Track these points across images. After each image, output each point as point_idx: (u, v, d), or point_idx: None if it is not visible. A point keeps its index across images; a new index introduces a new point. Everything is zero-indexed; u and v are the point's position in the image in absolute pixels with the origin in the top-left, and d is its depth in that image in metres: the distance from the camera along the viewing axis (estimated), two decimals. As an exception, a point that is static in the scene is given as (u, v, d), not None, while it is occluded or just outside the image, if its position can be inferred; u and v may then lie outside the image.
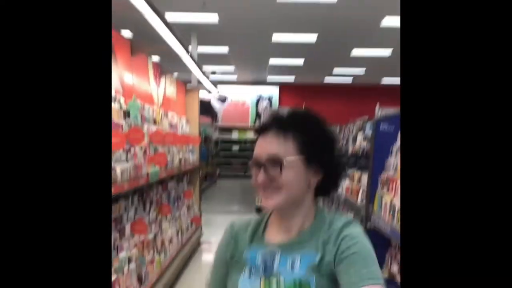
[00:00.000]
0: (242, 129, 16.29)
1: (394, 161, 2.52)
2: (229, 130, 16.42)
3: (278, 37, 9.35)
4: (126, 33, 8.30)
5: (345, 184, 3.58)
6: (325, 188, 1.08)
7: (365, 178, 2.99)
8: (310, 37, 9.30)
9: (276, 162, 0.97)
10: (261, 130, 1.03)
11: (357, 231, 0.99)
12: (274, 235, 1.07)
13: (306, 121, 1.04)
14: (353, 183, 3.40)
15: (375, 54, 10.62)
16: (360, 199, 3.06)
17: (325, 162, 1.02)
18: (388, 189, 2.52)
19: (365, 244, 0.96)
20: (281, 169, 0.97)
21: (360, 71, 13.28)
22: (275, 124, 1.01)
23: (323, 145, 1.03)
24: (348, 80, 14.98)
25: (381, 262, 2.81)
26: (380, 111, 7.00)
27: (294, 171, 0.98)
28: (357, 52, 10.60)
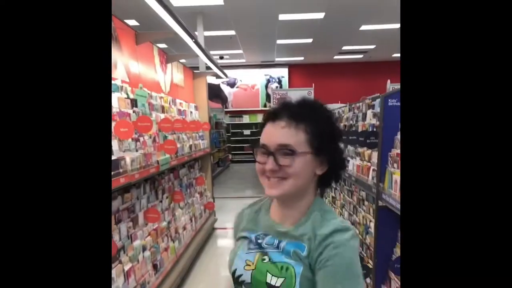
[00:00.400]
0: (253, 113, 16.25)
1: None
2: (239, 114, 16.40)
3: (285, 18, 9.22)
4: (132, 23, 8.29)
5: (355, 163, 3.54)
6: (328, 180, 1.10)
7: (375, 156, 2.96)
8: (317, 16, 9.15)
9: (287, 151, 0.98)
10: (271, 118, 1.04)
11: (343, 239, 0.97)
12: (275, 218, 1.12)
13: (316, 113, 1.04)
14: (363, 162, 3.36)
15: (384, 29, 10.41)
16: (370, 177, 3.03)
17: (331, 155, 1.05)
18: (397, 166, 2.49)
19: (347, 257, 0.95)
20: (293, 159, 0.98)
21: (370, 47, 13.07)
22: (286, 113, 1.02)
23: (331, 138, 1.05)
24: (359, 57, 14.77)
25: (394, 240, 2.80)
26: (391, 87, 6.90)
27: (304, 162, 1.00)
28: (366, 28, 10.41)
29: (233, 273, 1.08)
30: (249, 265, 1.06)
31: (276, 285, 0.99)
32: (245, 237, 1.14)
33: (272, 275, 1.00)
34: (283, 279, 0.99)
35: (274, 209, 1.13)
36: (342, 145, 1.10)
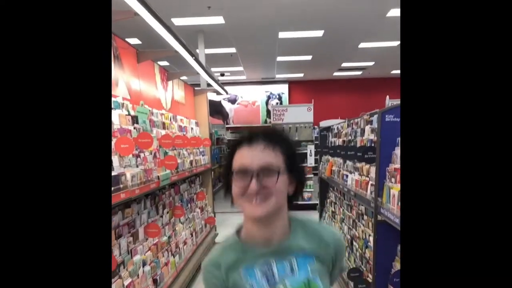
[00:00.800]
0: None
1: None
2: (240, 130, 16.40)
3: (285, 36, 9.35)
4: (134, 41, 8.42)
5: (354, 177, 3.57)
6: (296, 197, 1.16)
7: (373, 170, 2.99)
8: (317, 34, 9.27)
9: (271, 171, 1.03)
10: (246, 142, 1.08)
11: (337, 234, 1.22)
12: (259, 247, 1.10)
13: (285, 138, 1.13)
14: (362, 176, 3.39)
15: (383, 46, 10.53)
16: (369, 191, 3.05)
17: (298, 174, 1.13)
18: (395, 181, 2.52)
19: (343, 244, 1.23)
20: (276, 179, 1.03)
21: (369, 64, 13.19)
22: (261, 137, 1.08)
23: (297, 159, 1.13)
24: (358, 74, 14.89)
25: (393, 254, 2.82)
26: (390, 103, 6.93)
27: (283, 180, 1.06)
28: (364, 46, 10.53)
29: None
30: None
31: None
32: (242, 283, 1.08)
33: None
34: None
35: (251, 236, 1.12)
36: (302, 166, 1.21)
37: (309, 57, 11.91)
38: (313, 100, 9.51)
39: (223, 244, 1.18)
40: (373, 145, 3.16)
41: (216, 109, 15.80)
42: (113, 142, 2.71)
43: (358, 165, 3.58)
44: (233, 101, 16.47)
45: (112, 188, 2.46)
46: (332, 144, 5.16)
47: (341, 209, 4.68)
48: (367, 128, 3.57)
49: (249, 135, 1.10)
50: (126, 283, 2.79)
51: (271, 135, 1.10)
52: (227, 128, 16.06)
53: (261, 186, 1.02)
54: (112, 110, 2.97)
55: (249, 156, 1.05)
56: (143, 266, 3.17)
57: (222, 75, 13.96)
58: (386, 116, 2.69)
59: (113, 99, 3.08)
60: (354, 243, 3.92)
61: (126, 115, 3.16)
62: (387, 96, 7.79)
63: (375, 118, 3.40)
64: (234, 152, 1.09)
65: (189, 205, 5.01)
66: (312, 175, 8.85)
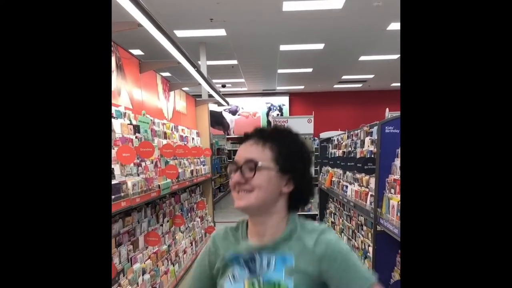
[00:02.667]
0: (254, 140, 16.32)
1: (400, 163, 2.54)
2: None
3: (286, 48, 9.43)
4: (136, 52, 8.50)
5: (354, 188, 3.60)
6: (296, 200, 1.14)
7: (373, 181, 3.01)
8: (317, 47, 9.36)
9: (251, 165, 1.05)
10: (243, 140, 1.13)
11: (334, 238, 1.08)
12: (252, 240, 1.14)
13: (284, 136, 1.13)
14: (361, 187, 3.41)
15: (383, 59, 10.62)
16: (368, 202, 3.07)
17: (297, 175, 1.10)
18: (395, 192, 2.55)
19: (346, 250, 1.07)
20: (256, 172, 1.05)
21: (369, 77, 13.28)
22: (256, 134, 1.12)
23: (297, 160, 1.11)
24: (358, 86, 14.97)
25: (392, 265, 2.82)
26: (389, 115, 6.99)
27: (267, 176, 1.06)
28: (364, 58, 10.61)
29: None
30: None
31: None
32: (226, 264, 1.12)
33: None
34: None
35: (250, 229, 1.16)
36: (312, 170, 1.17)
37: (309, 70, 11.99)
38: (313, 112, 9.55)
39: (229, 226, 1.22)
40: (372, 156, 3.19)
41: (217, 120, 15.85)
42: (114, 151, 2.74)
43: (358, 176, 3.60)
44: (234, 112, 16.54)
45: (113, 196, 2.49)
46: (332, 155, 5.20)
47: (340, 220, 4.69)
48: (367, 139, 3.61)
49: (246, 133, 1.14)
50: (125, 291, 2.80)
51: (266, 132, 1.12)
52: (228, 139, 16.10)
53: (243, 179, 1.06)
54: (114, 119, 3.00)
55: (239, 152, 1.10)
56: (142, 275, 3.17)
57: (224, 86, 14.04)
58: (386, 127, 2.72)
59: (115, 108, 3.12)
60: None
61: (128, 124, 3.20)
62: (387, 109, 7.83)
63: (375, 129, 3.43)
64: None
65: (189, 214, 5.02)
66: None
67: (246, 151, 1.09)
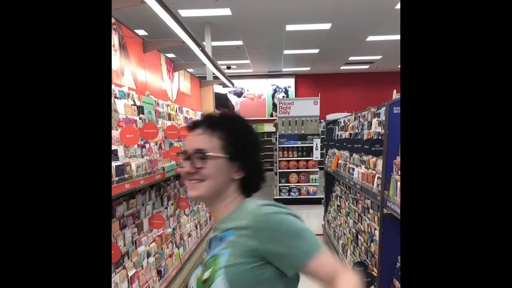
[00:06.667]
0: (260, 122, 16.29)
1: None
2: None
3: (292, 28, 9.29)
4: (141, 33, 8.40)
5: (360, 171, 3.54)
6: (248, 186, 1.16)
7: (380, 163, 2.96)
8: (324, 27, 9.21)
9: (200, 154, 1.08)
10: (191, 127, 1.15)
11: (272, 210, 1.04)
12: (215, 224, 1.18)
13: (233, 124, 1.14)
14: (368, 169, 3.36)
15: (391, 40, 10.44)
16: (375, 185, 3.02)
17: (247, 162, 1.13)
18: (403, 174, 2.49)
19: (280, 221, 1.02)
20: (206, 162, 1.07)
21: (376, 58, 13.10)
22: (205, 122, 1.13)
23: (246, 148, 1.13)
24: (365, 67, 14.79)
25: (399, 248, 2.79)
26: (398, 97, 6.90)
27: (216, 165, 1.09)
28: (372, 39, 10.44)
29: None
30: (199, 274, 1.11)
31: (205, 278, 1.04)
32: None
33: (206, 271, 1.05)
34: (210, 269, 1.04)
35: (213, 217, 1.20)
36: (260, 157, 1.19)
37: (316, 51, 11.84)
38: (319, 94, 9.45)
39: None
40: (380, 137, 3.12)
41: (222, 102, 15.77)
42: (118, 132, 2.70)
43: (365, 158, 3.54)
44: (239, 94, 16.44)
45: (117, 178, 2.45)
46: (339, 137, 5.13)
47: (346, 203, 4.65)
48: (374, 121, 3.53)
49: (195, 121, 1.16)
50: (130, 273, 2.78)
51: (214, 120, 1.13)
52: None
53: (194, 169, 1.08)
54: (118, 100, 2.95)
55: (188, 141, 1.13)
56: (147, 257, 3.16)
57: (229, 68, 13.92)
58: (394, 108, 2.65)
59: (118, 88, 3.07)
60: (359, 237, 3.90)
61: (131, 105, 3.14)
62: (394, 91, 7.72)
63: (382, 110, 3.36)
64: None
65: (194, 197, 5.00)
66: (317, 169, 8.83)
67: (195, 141, 1.10)
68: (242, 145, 1.12)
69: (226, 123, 1.13)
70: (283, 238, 1.00)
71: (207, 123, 1.12)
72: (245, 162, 1.12)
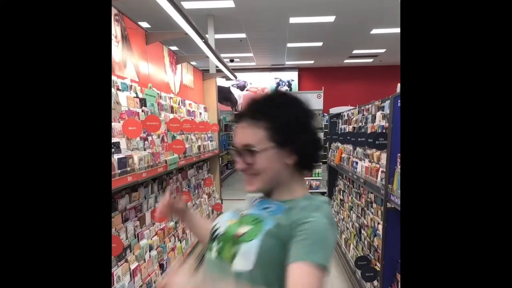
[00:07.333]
0: (263, 116, 16.27)
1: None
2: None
3: (296, 21, 9.22)
4: (144, 25, 8.35)
5: (364, 164, 3.52)
6: (303, 165, 1.14)
7: (384, 157, 2.93)
8: (328, 19, 9.14)
9: (249, 150, 1.07)
10: (236, 120, 1.13)
11: (317, 215, 1.02)
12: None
13: (277, 108, 1.09)
14: (372, 163, 3.33)
15: (396, 33, 10.35)
16: (379, 178, 3.00)
17: (297, 145, 1.08)
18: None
19: (317, 231, 0.99)
20: (256, 157, 1.06)
21: (380, 51, 13.01)
22: (248, 113, 1.10)
23: (294, 129, 1.08)
24: (369, 61, 14.70)
25: (403, 243, 2.77)
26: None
27: (267, 157, 1.07)
28: (376, 32, 10.36)
29: (213, 228, 1.15)
30: (231, 220, 1.12)
31: (240, 232, 1.04)
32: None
33: (243, 226, 1.06)
34: (249, 227, 1.04)
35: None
36: (312, 128, 1.13)
37: (319, 44, 11.76)
38: (323, 88, 9.40)
39: None
40: (384, 131, 3.09)
41: (225, 96, 15.73)
42: (120, 124, 2.68)
43: (369, 151, 3.52)
44: (242, 87, 16.39)
45: (119, 171, 2.43)
46: (342, 131, 5.09)
47: (349, 197, 4.63)
48: (379, 114, 3.50)
49: (240, 113, 1.13)
50: (132, 267, 2.78)
51: (258, 108, 1.10)
52: (236, 115, 15.99)
53: (245, 164, 1.08)
54: (120, 92, 2.93)
55: (236, 136, 1.11)
56: (149, 251, 3.15)
57: (232, 61, 13.87)
58: (399, 101, 2.62)
59: (121, 80, 3.04)
60: (362, 231, 3.88)
61: (134, 97, 3.12)
62: (398, 84, 7.66)
63: (386, 104, 3.33)
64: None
65: (196, 191, 4.99)
66: (320, 163, 8.79)
67: (242, 135, 1.09)
68: (289, 128, 1.07)
69: (268, 108, 1.09)
70: (309, 241, 0.97)
71: (250, 113, 1.09)
72: (295, 145, 1.08)
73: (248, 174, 1.09)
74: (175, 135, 3.90)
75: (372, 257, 3.40)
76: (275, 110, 1.08)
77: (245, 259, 1.00)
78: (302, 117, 1.12)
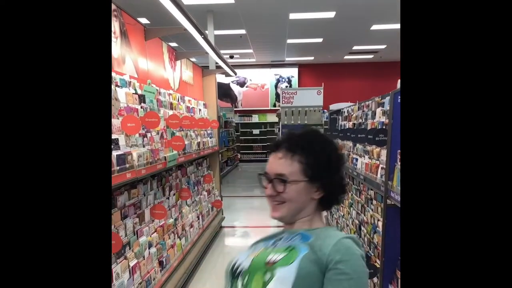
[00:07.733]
0: (262, 112, 16.24)
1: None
2: (249, 113, 16.37)
3: (296, 17, 9.19)
4: (143, 21, 8.32)
5: (364, 161, 3.50)
6: (327, 203, 1.20)
7: (384, 153, 2.92)
8: (328, 15, 9.10)
9: (281, 180, 1.12)
10: (273, 149, 1.19)
11: (350, 243, 1.04)
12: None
13: (313, 145, 1.15)
14: (372, 160, 3.32)
15: (396, 29, 10.31)
16: (379, 175, 2.98)
17: (326, 182, 1.15)
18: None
19: (357, 268, 0.99)
20: (286, 187, 1.12)
21: (380, 47, 12.97)
22: (285, 144, 1.16)
23: (326, 168, 1.14)
24: (369, 57, 14.67)
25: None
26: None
27: (296, 189, 1.12)
28: (376, 28, 10.32)
29: (232, 267, 1.13)
30: (253, 253, 1.12)
31: (275, 259, 1.04)
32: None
33: (274, 254, 1.06)
34: (284, 254, 1.05)
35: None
36: (341, 172, 1.20)
37: (320, 40, 11.73)
38: (323, 84, 9.37)
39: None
40: (384, 127, 3.08)
41: (224, 92, 15.71)
42: (119, 121, 2.67)
43: (369, 148, 3.50)
44: (242, 84, 16.36)
45: (118, 168, 2.42)
46: (342, 128, 5.08)
47: (349, 194, 4.62)
48: (379, 110, 3.48)
49: (276, 142, 1.19)
50: (131, 264, 2.77)
51: (296, 141, 1.15)
52: (236, 111, 15.98)
53: (275, 192, 1.13)
54: (119, 88, 2.91)
55: (270, 163, 1.17)
56: (149, 248, 3.15)
57: (232, 57, 13.83)
58: (399, 97, 2.60)
59: (120, 77, 3.02)
60: (362, 228, 3.87)
61: (133, 93, 3.10)
62: (399, 80, 7.64)
63: (386, 100, 3.31)
64: (270, 156, 1.20)
65: (196, 187, 4.98)
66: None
67: (276, 165, 1.14)
68: (322, 167, 1.13)
69: (306, 144, 1.15)
70: (346, 279, 0.97)
71: (287, 145, 1.15)
72: (324, 182, 1.14)
73: (274, 200, 1.15)
74: (175, 131, 3.89)
75: (372, 254, 3.40)
76: (312, 147, 1.14)
77: (281, 283, 0.98)
78: (335, 159, 1.18)
